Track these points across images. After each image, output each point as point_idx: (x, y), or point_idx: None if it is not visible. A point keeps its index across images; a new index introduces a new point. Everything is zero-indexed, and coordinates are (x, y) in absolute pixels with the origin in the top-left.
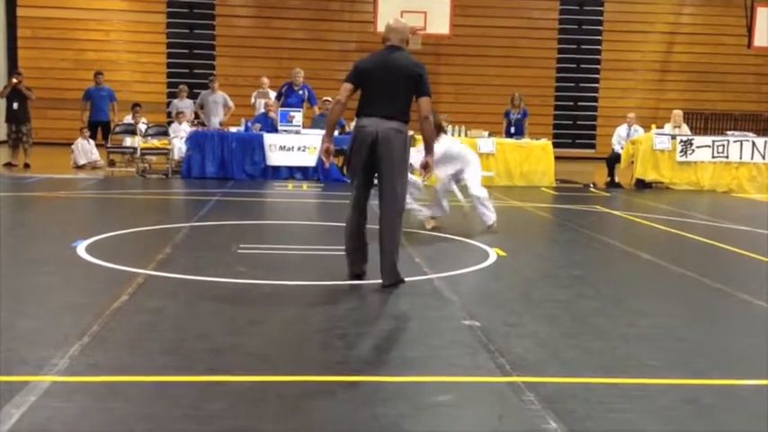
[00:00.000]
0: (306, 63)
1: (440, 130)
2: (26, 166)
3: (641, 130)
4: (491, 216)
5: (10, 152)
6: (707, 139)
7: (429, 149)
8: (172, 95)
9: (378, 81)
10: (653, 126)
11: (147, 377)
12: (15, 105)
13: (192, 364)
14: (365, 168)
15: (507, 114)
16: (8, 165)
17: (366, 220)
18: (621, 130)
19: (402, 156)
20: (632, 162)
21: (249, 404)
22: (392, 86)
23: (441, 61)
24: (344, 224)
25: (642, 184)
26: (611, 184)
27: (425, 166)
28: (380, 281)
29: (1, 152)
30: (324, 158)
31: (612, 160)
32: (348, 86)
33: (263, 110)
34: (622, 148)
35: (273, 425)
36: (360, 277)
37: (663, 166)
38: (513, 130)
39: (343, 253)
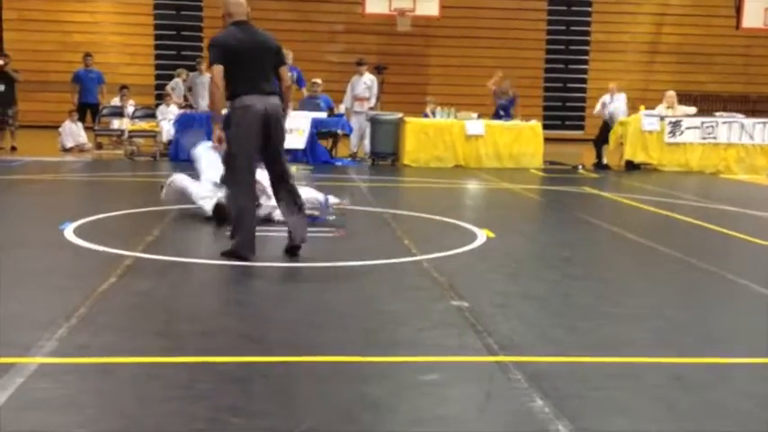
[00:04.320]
0: (293, 45)
1: None
2: (13, 149)
3: (623, 95)
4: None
5: None
6: (695, 121)
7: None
8: (160, 77)
9: (250, 58)
10: (641, 107)
11: (135, 358)
12: (2, 88)
13: (181, 345)
14: (257, 147)
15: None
16: None
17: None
18: (605, 98)
19: (284, 129)
20: (621, 143)
21: (237, 384)
22: (263, 62)
23: (430, 43)
24: (238, 209)
25: (631, 166)
26: (599, 166)
27: None
28: (365, 262)
29: None
30: (217, 146)
31: (600, 142)
32: (220, 68)
33: None
34: (608, 114)
35: (261, 405)
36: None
37: (651, 147)
38: (501, 113)
39: (241, 238)
